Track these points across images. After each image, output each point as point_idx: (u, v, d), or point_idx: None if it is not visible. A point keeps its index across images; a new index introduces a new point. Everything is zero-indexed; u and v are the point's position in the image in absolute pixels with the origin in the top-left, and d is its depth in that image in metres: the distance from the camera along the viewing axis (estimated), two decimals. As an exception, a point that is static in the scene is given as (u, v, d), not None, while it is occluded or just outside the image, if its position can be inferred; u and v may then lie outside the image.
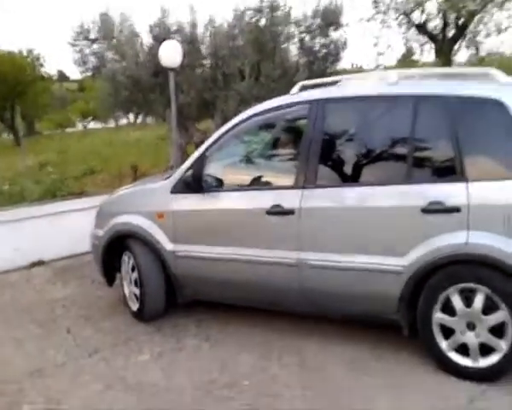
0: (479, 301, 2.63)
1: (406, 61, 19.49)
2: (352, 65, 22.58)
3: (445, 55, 15.52)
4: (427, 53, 17.29)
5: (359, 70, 21.25)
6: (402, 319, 2.89)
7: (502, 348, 2.63)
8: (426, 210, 2.68)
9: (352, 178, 3.08)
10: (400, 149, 2.91)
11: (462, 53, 16.75)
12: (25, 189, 6.95)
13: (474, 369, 2.71)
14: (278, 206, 3.13)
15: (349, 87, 3.34)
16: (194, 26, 10.51)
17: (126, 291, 3.91)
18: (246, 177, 3.45)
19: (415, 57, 18.15)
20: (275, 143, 3.74)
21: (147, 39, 10.74)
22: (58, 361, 3.33)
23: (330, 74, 10.77)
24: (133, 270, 3.74)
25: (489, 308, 2.62)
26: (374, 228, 2.86)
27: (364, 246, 2.89)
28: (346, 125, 3.19)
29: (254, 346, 3.32)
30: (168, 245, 3.55)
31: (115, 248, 3.88)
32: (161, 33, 10.33)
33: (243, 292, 3.43)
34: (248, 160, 3.61)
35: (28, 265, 5.36)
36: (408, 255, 2.75)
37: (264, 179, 3.40)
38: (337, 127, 3.17)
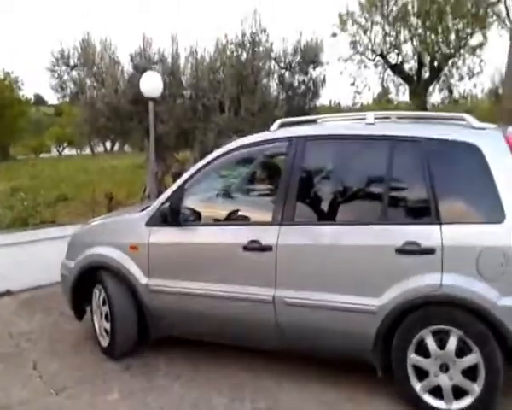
0: (452, 343, 2.64)
1: (382, 100, 20.12)
2: (331, 102, 23.17)
3: (419, 96, 16.09)
4: (402, 94, 17.95)
5: (337, 107, 21.78)
6: (376, 359, 2.87)
7: (475, 391, 2.63)
8: (400, 250, 2.70)
9: (329, 216, 3.10)
10: (376, 189, 2.95)
11: (435, 95, 17.35)
12: (-5, 216, 6.77)
13: (449, 413, 2.69)
14: (256, 241, 3.11)
15: (327, 126, 3.40)
16: (175, 57, 10.63)
17: (96, 326, 3.79)
18: (223, 211, 3.44)
19: (390, 97, 18.78)
20: (253, 179, 3.75)
21: (127, 68, 10.80)
22: (23, 399, 3.18)
23: (309, 110, 11.00)
24: (104, 303, 3.64)
25: (462, 351, 2.63)
26: (349, 267, 2.86)
27: (339, 284, 2.89)
28: (323, 164, 3.23)
29: (227, 386, 3.23)
30: (142, 279, 3.47)
31: (86, 281, 3.77)
32: (142, 63, 10.40)
33: (218, 328, 3.36)
34: (226, 194, 3.61)
35: (-6, 296, 5.17)
36: (382, 296, 2.75)
37: (241, 214, 3.38)
38: (315, 165, 3.21)
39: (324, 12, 27.07)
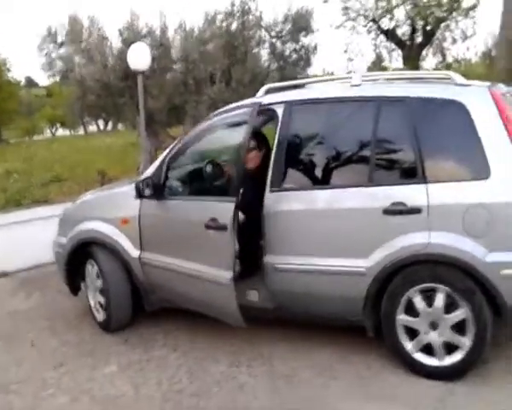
0: (440, 300, 2.67)
1: (376, 67, 19.91)
2: (324, 71, 22.90)
3: (412, 61, 15.88)
4: (395, 60, 17.72)
5: (331, 76, 21.55)
6: (367, 320, 2.90)
7: (465, 345, 2.67)
8: (387, 211, 2.70)
9: (317, 181, 3.10)
10: (363, 152, 2.93)
11: (429, 59, 17.15)
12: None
13: (441, 368, 2.74)
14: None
15: (313, 90, 3.36)
16: (164, 30, 10.45)
17: (91, 301, 3.82)
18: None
19: (385, 64, 18.55)
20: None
21: (116, 43, 10.63)
22: (21, 376, 3.22)
23: (301, 79, 10.88)
24: (98, 277, 3.66)
25: (450, 307, 2.67)
26: (337, 230, 2.87)
27: (329, 248, 2.90)
28: (310, 128, 3.19)
29: (223, 355, 3.27)
30: (133, 252, 3.48)
31: (79, 256, 3.79)
32: (131, 37, 10.22)
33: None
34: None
35: (-10, 276, 5.20)
36: (371, 257, 2.77)
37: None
38: (302, 130, 3.18)
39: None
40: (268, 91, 3.42)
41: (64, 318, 4.07)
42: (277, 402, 2.72)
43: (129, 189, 3.61)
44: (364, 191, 2.83)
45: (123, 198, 3.64)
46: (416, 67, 16.10)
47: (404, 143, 2.79)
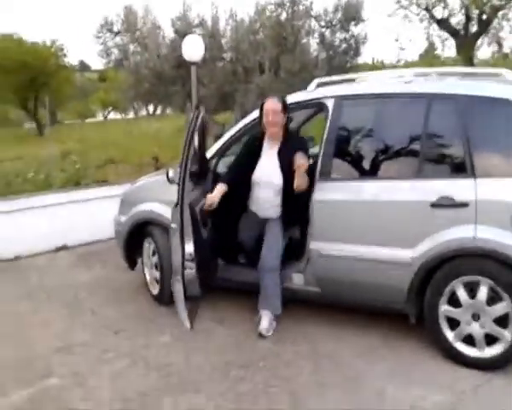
0: (483, 292, 2.75)
1: (429, 56, 19.40)
2: (374, 60, 22.52)
3: (466, 50, 15.40)
4: (448, 48, 17.22)
5: (381, 65, 21.21)
6: (410, 309, 3.01)
7: (506, 338, 2.74)
8: (435, 205, 2.79)
9: (367, 173, 3.22)
10: (413, 146, 3.02)
11: (484, 49, 16.58)
12: (50, 176, 7.21)
13: (481, 358, 2.83)
14: None
15: (365, 85, 3.46)
16: (215, 20, 10.68)
17: (147, 276, 4.11)
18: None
19: (437, 52, 18.06)
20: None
21: (169, 33, 10.96)
22: (84, 340, 3.53)
23: (350, 69, 10.85)
24: (153, 254, 3.93)
25: (493, 300, 2.74)
26: (385, 220, 2.98)
27: (378, 238, 3.02)
28: (360, 122, 3.31)
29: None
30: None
31: (137, 234, 4.07)
32: (183, 27, 10.53)
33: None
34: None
35: (54, 249, 5.61)
36: (417, 247, 2.87)
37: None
38: (352, 123, 3.29)
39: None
40: (319, 85, 3.54)
41: (122, 290, 4.38)
42: (320, 380, 2.89)
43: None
44: (413, 184, 2.92)
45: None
46: (470, 57, 15.61)
47: (453, 139, 2.87)
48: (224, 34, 10.80)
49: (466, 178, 2.76)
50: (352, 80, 3.68)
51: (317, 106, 3.41)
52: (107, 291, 4.39)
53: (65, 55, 27.46)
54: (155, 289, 4.01)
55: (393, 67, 18.58)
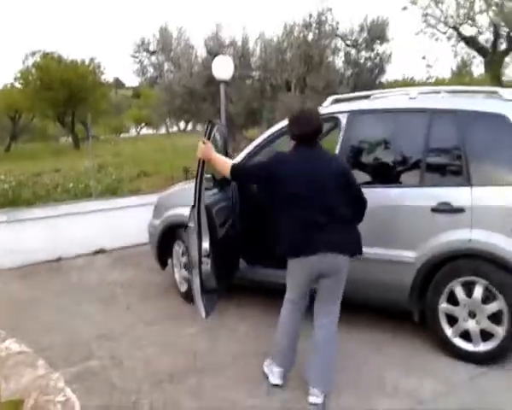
0: (478, 292, 3.02)
1: (461, 73, 19.49)
2: (404, 77, 22.68)
3: (495, 68, 15.46)
4: (476, 66, 17.28)
5: (411, 82, 21.38)
6: (413, 307, 3.30)
7: (499, 334, 3.00)
8: (435, 209, 3.09)
9: (375, 180, 3.54)
10: (416, 156, 3.34)
11: (512, 67, 16.54)
12: (88, 187, 7.79)
13: (476, 353, 3.09)
14: None
15: (376, 101, 3.80)
16: (245, 40, 11.19)
17: (177, 276, 4.51)
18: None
19: (468, 69, 18.14)
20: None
21: (201, 52, 11.53)
22: (119, 330, 3.95)
23: (376, 86, 11.14)
24: (183, 255, 4.33)
25: (488, 298, 3.01)
26: (391, 223, 3.29)
27: (384, 240, 3.32)
28: (370, 134, 3.64)
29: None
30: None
31: (168, 236, 4.49)
32: (215, 47, 11.07)
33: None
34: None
35: (92, 252, 6.10)
36: (418, 249, 3.17)
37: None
38: (362, 135, 3.63)
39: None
40: (335, 101, 3.90)
41: (154, 289, 4.81)
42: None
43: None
44: (415, 191, 3.23)
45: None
46: (498, 75, 15.66)
47: (452, 150, 3.18)
48: (253, 53, 11.28)
49: (463, 185, 3.05)
50: (367, 97, 4.01)
51: (332, 120, 3.76)
52: (140, 289, 4.82)
53: (102, 73, 28.74)
54: (184, 288, 4.41)
55: (424, 84, 18.82)
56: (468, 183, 3.04)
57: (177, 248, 4.43)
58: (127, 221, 6.20)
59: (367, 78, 11.46)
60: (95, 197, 6.97)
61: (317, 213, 2.67)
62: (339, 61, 11.54)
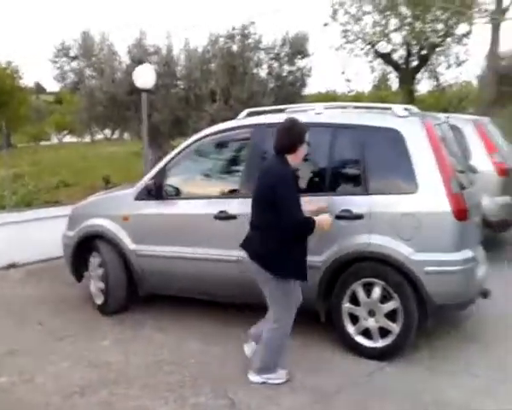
0: (376, 292, 3.27)
1: (381, 87, 20.74)
2: (327, 90, 23.68)
3: (407, 83, 16.62)
4: (395, 82, 18.50)
5: (333, 95, 22.35)
6: (320, 307, 3.49)
7: (395, 331, 3.26)
8: (338, 216, 3.31)
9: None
10: (321, 167, 3.56)
11: (424, 82, 17.89)
12: (2, 197, 7.40)
13: (376, 349, 3.33)
14: (224, 212, 3.73)
15: (284, 115, 3.98)
16: (170, 49, 11.18)
17: (93, 288, 4.42)
18: (197, 187, 4.07)
19: (388, 83, 19.38)
20: (223, 160, 4.33)
21: (125, 59, 11.36)
22: (31, 345, 3.82)
23: (297, 99, 11.56)
24: (99, 266, 4.27)
25: (385, 298, 3.27)
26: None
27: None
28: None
29: (202, 335, 3.87)
30: (131, 245, 4.11)
31: (84, 248, 4.41)
32: (139, 54, 10.96)
33: (192, 286, 4.01)
34: (200, 172, 4.23)
35: (4, 266, 5.80)
36: (324, 253, 3.38)
37: (213, 189, 4.00)
38: (268, 148, 3.77)
39: (314, 2, 27.45)
40: (249, 114, 4.06)
41: (68, 302, 4.68)
42: (246, 369, 3.30)
43: (129, 191, 4.25)
44: (322, 199, 3.42)
45: (124, 199, 4.27)
46: (411, 90, 16.85)
47: (352, 162, 3.44)
48: (178, 63, 11.30)
49: (362, 194, 3.30)
50: (282, 111, 4.20)
51: (245, 133, 3.90)
52: (54, 304, 4.68)
53: (20, 78, 27.28)
54: (100, 300, 4.34)
55: (345, 97, 19.76)
56: (366, 192, 3.30)
57: (93, 260, 4.36)
58: (43, 234, 5.95)
59: (289, 90, 11.86)
60: (8, 209, 6.64)
61: None
62: (263, 74, 11.86)
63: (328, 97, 18.86)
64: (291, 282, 3.02)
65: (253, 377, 3.14)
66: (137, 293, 4.27)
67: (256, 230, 3.08)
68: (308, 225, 2.94)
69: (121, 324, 4.15)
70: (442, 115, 3.93)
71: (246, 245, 3.15)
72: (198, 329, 3.98)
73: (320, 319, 3.56)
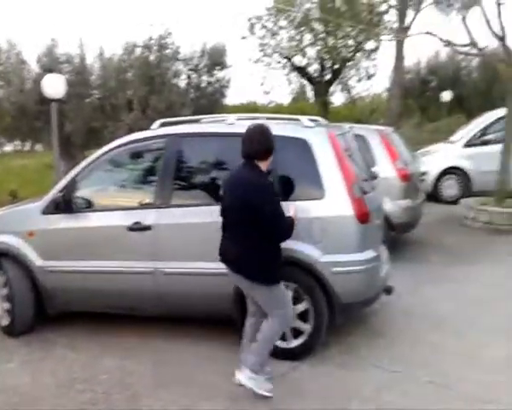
0: (289, 294, 3.37)
1: (299, 99, 21.46)
2: (249, 102, 24.10)
3: (322, 96, 17.39)
4: (309, 94, 19.28)
5: (254, 106, 22.79)
6: (235, 314, 3.54)
7: (307, 331, 3.40)
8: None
9: (191, 199, 3.76)
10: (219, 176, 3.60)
11: (337, 95, 18.83)
12: None
13: (289, 349, 3.44)
14: (138, 223, 3.68)
15: (198, 126, 4.04)
16: (83, 58, 10.83)
17: (-2, 308, 4.15)
18: (110, 198, 3.98)
19: (307, 96, 20.15)
20: (137, 171, 4.27)
21: (34, 68, 10.82)
22: None
23: (217, 110, 11.66)
24: (5, 286, 4.02)
25: (297, 299, 3.38)
26: (209, 239, 3.37)
27: (206, 254, 3.49)
28: (191, 156, 3.84)
29: (119, 350, 3.77)
30: (38, 261, 3.91)
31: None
32: (49, 63, 10.50)
33: (108, 300, 3.89)
34: (113, 183, 4.13)
35: None
36: None
37: (126, 201, 3.93)
38: (185, 157, 3.82)
39: (232, 15, 27.98)
40: (163, 125, 4.04)
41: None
42: (158, 381, 3.28)
43: (36, 205, 4.05)
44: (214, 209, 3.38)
45: (30, 213, 4.06)
46: (325, 102, 17.65)
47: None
48: (92, 71, 10.98)
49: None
50: (197, 121, 4.23)
51: (157, 143, 3.89)
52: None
53: None
54: (5, 321, 4.07)
55: (265, 108, 20.22)
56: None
57: (-3, 279, 4.09)
58: None
59: (208, 101, 11.95)
60: None
61: None
62: (182, 84, 11.85)
63: (249, 108, 19.19)
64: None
65: (243, 374, 3.01)
66: (46, 311, 4.06)
67: (232, 241, 3.01)
68: (293, 227, 3.03)
69: (29, 345, 3.92)
70: (346, 125, 4.17)
71: (226, 258, 3.07)
72: (114, 344, 3.86)
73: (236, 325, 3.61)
